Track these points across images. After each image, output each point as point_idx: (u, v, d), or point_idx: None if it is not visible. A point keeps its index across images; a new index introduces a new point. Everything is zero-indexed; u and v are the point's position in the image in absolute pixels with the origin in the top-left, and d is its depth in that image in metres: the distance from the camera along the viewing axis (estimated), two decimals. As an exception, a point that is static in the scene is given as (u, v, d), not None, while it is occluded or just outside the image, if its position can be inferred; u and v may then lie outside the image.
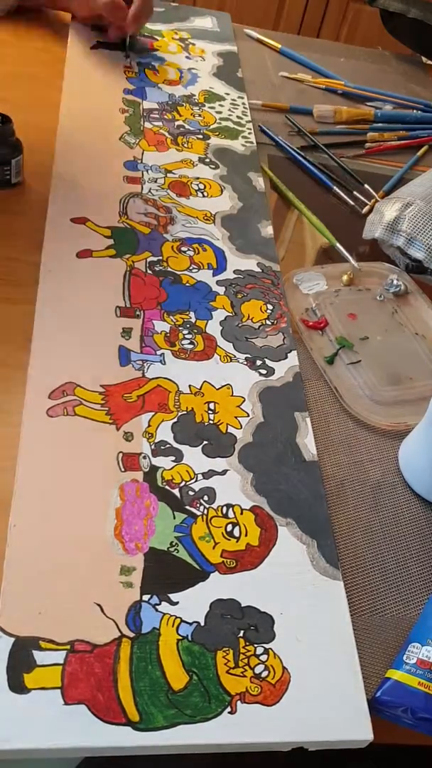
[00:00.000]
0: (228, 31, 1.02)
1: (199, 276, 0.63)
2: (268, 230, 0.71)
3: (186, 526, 0.46)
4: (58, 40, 0.89)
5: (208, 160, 0.77)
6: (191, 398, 0.53)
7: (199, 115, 0.83)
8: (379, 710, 0.41)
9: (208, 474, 0.49)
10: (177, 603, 0.42)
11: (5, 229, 0.63)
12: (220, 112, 0.84)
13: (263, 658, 0.41)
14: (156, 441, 0.50)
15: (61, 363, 0.52)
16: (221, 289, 0.63)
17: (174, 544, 0.45)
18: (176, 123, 0.80)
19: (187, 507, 0.47)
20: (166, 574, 0.43)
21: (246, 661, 0.41)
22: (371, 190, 0.81)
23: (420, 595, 0.47)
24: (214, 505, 0.47)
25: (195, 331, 0.58)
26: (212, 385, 0.55)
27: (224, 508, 0.47)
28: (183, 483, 0.48)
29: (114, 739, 0.37)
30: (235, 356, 0.57)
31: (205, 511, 0.47)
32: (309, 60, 1.01)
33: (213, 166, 0.76)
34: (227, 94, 0.88)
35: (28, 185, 0.68)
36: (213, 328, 0.59)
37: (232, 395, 0.54)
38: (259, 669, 0.40)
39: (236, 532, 0.46)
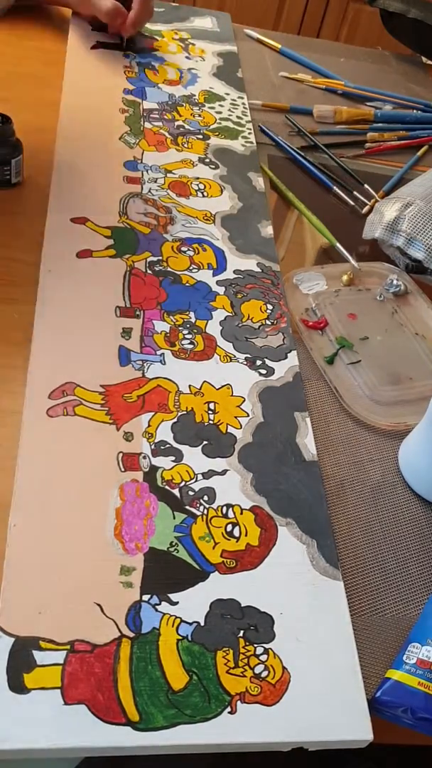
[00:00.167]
0: (228, 31, 1.02)
1: (199, 276, 0.63)
2: (268, 230, 0.71)
3: (186, 526, 0.46)
4: (58, 39, 0.89)
5: (208, 160, 0.77)
6: (191, 398, 0.53)
7: (199, 115, 0.83)
8: (379, 710, 0.41)
9: (208, 474, 0.49)
10: (177, 603, 0.42)
11: (5, 229, 0.63)
12: (220, 112, 0.84)
13: (263, 658, 0.41)
14: (156, 441, 0.50)
15: (61, 363, 0.53)
16: (221, 289, 0.63)
17: (174, 544, 0.45)
18: (176, 123, 0.80)
19: (187, 507, 0.47)
20: (166, 574, 0.43)
21: (246, 661, 0.41)
22: (371, 190, 0.81)
23: (420, 595, 0.47)
24: (214, 505, 0.47)
25: (195, 331, 0.58)
26: (212, 385, 0.55)
27: (224, 508, 0.47)
28: (183, 483, 0.48)
29: (114, 739, 0.37)
30: (235, 356, 0.57)
31: (205, 511, 0.47)
32: (309, 60, 1.01)
33: (213, 166, 0.76)
34: (227, 94, 0.88)
35: (28, 185, 0.68)
36: (213, 328, 0.59)
37: (232, 395, 0.54)
38: (259, 669, 0.40)
39: (236, 532, 0.46)
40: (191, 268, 0.64)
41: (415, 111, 0.96)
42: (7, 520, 0.43)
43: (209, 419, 0.52)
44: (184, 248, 0.65)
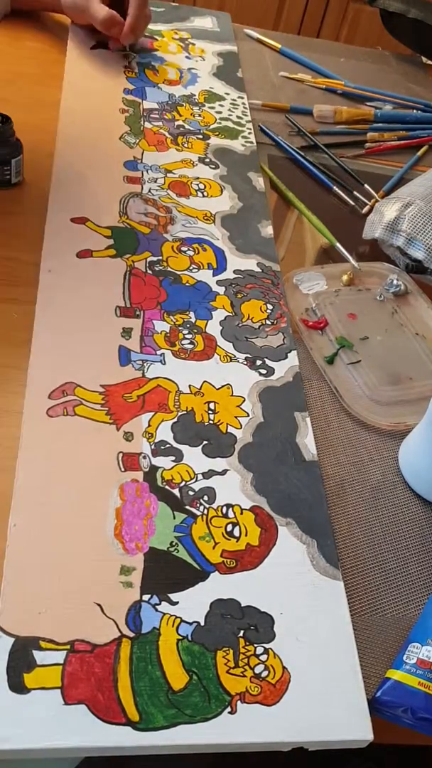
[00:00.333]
0: (228, 31, 1.02)
1: (199, 276, 0.63)
2: (268, 230, 0.71)
3: (186, 526, 0.46)
4: (58, 40, 0.89)
5: (208, 160, 0.77)
6: (191, 398, 0.53)
7: (199, 115, 0.83)
8: (379, 710, 0.41)
9: (208, 474, 0.49)
10: (177, 603, 0.42)
11: (5, 229, 0.63)
12: (220, 112, 0.84)
13: (263, 658, 0.41)
14: (156, 441, 0.50)
15: (61, 363, 0.53)
16: (221, 289, 0.63)
17: (174, 544, 0.45)
18: (176, 123, 0.80)
19: (187, 507, 0.47)
20: (166, 574, 0.43)
21: (246, 661, 0.41)
22: (371, 190, 0.81)
23: (420, 595, 0.47)
24: (214, 505, 0.47)
25: (195, 331, 0.58)
26: (212, 385, 0.55)
27: (224, 508, 0.47)
28: (183, 483, 0.48)
29: (114, 739, 0.37)
30: (235, 356, 0.57)
31: (205, 511, 0.47)
32: (309, 60, 1.01)
33: (213, 166, 0.76)
34: (227, 94, 0.88)
35: (28, 185, 0.68)
36: (213, 328, 0.59)
37: (232, 395, 0.54)
38: (259, 669, 0.40)
39: (236, 532, 0.46)
40: (191, 268, 0.64)
41: (415, 111, 0.96)
42: (7, 520, 0.43)
43: (209, 419, 0.52)
44: (184, 248, 0.65)
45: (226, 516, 0.47)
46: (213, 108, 0.85)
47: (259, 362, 0.58)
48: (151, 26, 0.96)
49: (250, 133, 0.83)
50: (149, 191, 0.70)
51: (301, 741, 0.39)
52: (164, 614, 0.41)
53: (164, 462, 0.49)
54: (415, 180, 0.74)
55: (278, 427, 0.53)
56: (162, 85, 0.86)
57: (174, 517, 0.46)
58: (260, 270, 0.66)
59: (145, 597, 0.42)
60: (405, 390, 0.59)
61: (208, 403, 0.53)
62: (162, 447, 0.50)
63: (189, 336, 0.58)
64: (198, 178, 0.74)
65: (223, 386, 0.55)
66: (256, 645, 0.41)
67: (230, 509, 0.47)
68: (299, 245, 0.73)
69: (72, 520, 0.44)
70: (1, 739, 0.35)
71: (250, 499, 0.48)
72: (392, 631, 0.45)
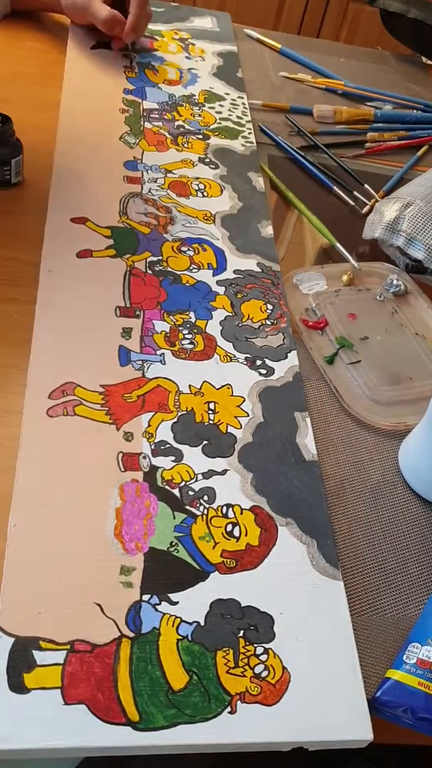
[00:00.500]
0: (228, 31, 1.02)
1: (199, 276, 0.63)
2: (268, 230, 0.71)
3: (186, 526, 0.46)
4: (58, 39, 0.89)
5: (208, 160, 0.77)
6: (191, 398, 0.53)
7: (199, 115, 0.83)
8: (379, 710, 0.41)
9: (208, 474, 0.49)
10: (177, 603, 0.42)
11: (5, 229, 0.63)
12: (220, 112, 0.84)
13: (263, 658, 0.41)
14: (156, 441, 0.50)
15: (61, 363, 0.53)
16: (221, 289, 0.63)
17: (174, 544, 0.45)
18: (176, 123, 0.80)
19: (187, 507, 0.47)
20: (166, 574, 0.43)
21: (246, 661, 0.41)
22: (371, 190, 0.81)
23: (420, 595, 0.47)
24: (214, 505, 0.47)
25: (195, 331, 0.58)
26: (212, 385, 0.55)
27: (224, 508, 0.47)
28: (183, 483, 0.48)
29: (114, 739, 0.37)
30: (235, 356, 0.57)
31: (205, 511, 0.47)
32: (309, 60, 1.01)
33: (213, 166, 0.76)
34: (227, 94, 0.88)
35: (28, 185, 0.68)
36: (213, 328, 0.59)
37: (232, 395, 0.54)
38: (259, 669, 0.40)
39: (236, 532, 0.46)
40: (191, 268, 0.64)
41: (415, 111, 0.96)
42: (7, 520, 0.43)
43: (209, 419, 0.52)
44: (184, 248, 0.65)
45: (226, 516, 0.47)
46: (213, 108, 0.85)
47: (259, 362, 0.58)
48: (151, 26, 0.96)
49: (250, 133, 0.83)
50: (149, 191, 0.70)
51: (301, 741, 0.39)
52: (164, 614, 0.41)
53: (164, 462, 0.49)
54: (415, 180, 0.74)
55: (278, 427, 0.53)
56: (162, 85, 0.86)
57: (174, 517, 0.46)
58: (260, 270, 0.66)
59: (145, 597, 0.42)
60: (405, 390, 0.59)
61: (208, 403, 0.53)
62: (162, 447, 0.50)
63: (189, 336, 0.58)
64: (198, 178, 0.74)
65: (223, 386, 0.55)
66: (256, 645, 0.41)
67: (230, 509, 0.47)
68: (299, 245, 0.73)
69: (72, 520, 0.44)
70: (1, 739, 0.35)
71: (250, 499, 0.48)
72: (392, 631, 0.45)
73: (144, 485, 0.47)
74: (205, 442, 0.51)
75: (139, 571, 0.43)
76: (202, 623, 0.41)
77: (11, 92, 0.78)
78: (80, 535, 0.44)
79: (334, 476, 0.52)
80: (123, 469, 0.48)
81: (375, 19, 1.19)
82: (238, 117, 0.85)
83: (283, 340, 0.60)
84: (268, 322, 0.61)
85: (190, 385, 0.54)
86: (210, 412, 0.53)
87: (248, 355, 0.58)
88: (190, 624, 0.41)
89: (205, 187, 0.73)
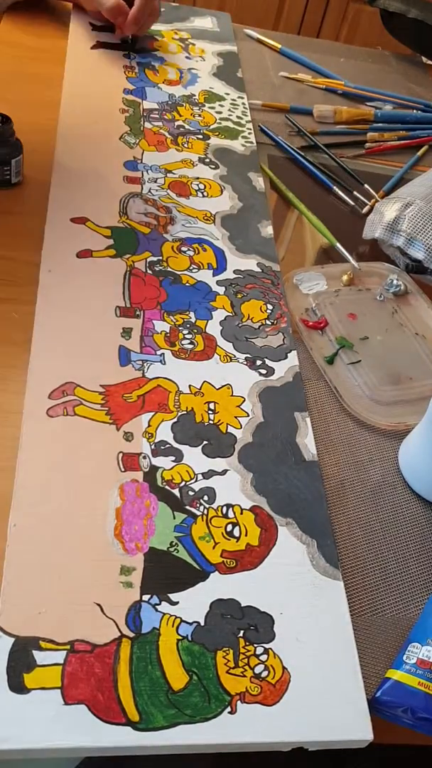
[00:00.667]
0: (228, 31, 1.01)
1: (199, 276, 0.63)
2: (268, 230, 0.71)
3: (186, 526, 0.46)
4: (58, 39, 0.89)
5: (208, 160, 0.77)
6: (191, 398, 0.53)
7: (199, 115, 0.83)
8: (379, 710, 0.41)
9: (208, 474, 0.49)
10: (177, 603, 0.42)
11: (5, 229, 0.63)
12: (220, 112, 0.84)
13: (263, 658, 0.41)
14: (156, 441, 0.50)
15: (61, 363, 0.53)
16: (221, 289, 0.63)
17: (174, 544, 0.45)
18: (176, 123, 0.80)
19: (187, 507, 0.47)
20: (166, 574, 0.43)
21: (246, 661, 0.41)
22: (371, 190, 0.81)
23: (420, 595, 0.47)
24: (214, 505, 0.47)
25: (195, 331, 0.58)
26: (212, 385, 0.55)
27: (224, 508, 0.47)
28: (183, 483, 0.48)
29: (114, 739, 0.37)
30: (235, 356, 0.57)
31: (205, 511, 0.47)
32: (309, 60, 1.01)
33: (213, 166, 0.76)
34: (227, 94, 0.88)
35: (28, 185, 0.68)
36: (213, 328, 0.59)
37: (232, 395, 0.54)
38: (259, 669, 0.40)
39: (236, 532, 0.46)
40: (191, 268, 0.64)
41: (415, 111, 0.96)
42: (7, 520, 0.43)
43: (209, 419, 0.52)
44: (184, 248, 0.65)
45: (226, 516, 0.47)
46: (213, 108, 0.85)
47: (259, 362, 0.58)
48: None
49: (250, 133, 0.83)
50: (149, 191, 0.70)
51: (301, 741, 0.39)
52: (164, 614, 0.41)
53: (164, 462, 0.49)
54: (415, 180, 0.74)
55: (278, 427, 0.53)
56: (162, 85, 0.86)
57: (174, 517, 0.46)
58: (260, 270, 0.66)
59: (145, 597, 0.42)
60: (405, 390, 0.59)
61: (208, 403, 0.53)
62: (162, 447, 0.50)
63: (189, 336, 0.58)
64: (198, 178, 0.74)
65: (223, 386, 0.55)
66: (256, 645, 0.41)
67: (230, 509, 0.47)
68: (299, 245, 0.73)
69: (72, 520, 0.44)
70: (1, 739, 0.35)
71: (250, 499, 0.48)
72: (392, 631, 0.45)
73: (144, 485, 0.47)
74: (205, 442, 0.51)
75: (139, 571, 0.43)
76: (202, 623, 0.41)
77: (11, 92, 0.78)
78: (80, 535, 0.44)
79: (334, 476, 0.52)
80: (123, 469, 0.48)
81: (375, 19, 1.19)
82: (238, 117, 0.85)
83: (283, 340, 0.60)
84: (268, 322, 0.61)
85: (190, 385, 0.54)
86: (210, 412, 0.53)
87: (248, 355, 0.58)
88: (190, 624, 0.41)
89: (205, 187, 0.73)
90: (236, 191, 0.74)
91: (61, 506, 0.45)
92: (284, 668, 0.41)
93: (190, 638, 0.41)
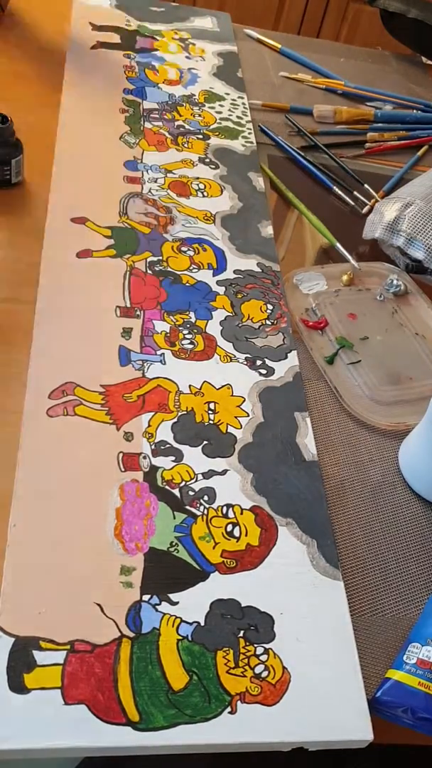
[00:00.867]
0: (228, 31, 1.01)
1: (199, 276, 0.63)
2: (268, 230, 0.71)
3: (186, 526, 0.46)
4: (58, 39, 0.89)
5: (208, 160, 0.77)
6: (191, 398, 0.53)
7: (199, 115, 0.83)
8: (379, 710, 0.41)
9: (208, 474, 0.49)
10: (177, 603, 0.42)
11: (5, 229, 0.63)
12: (220, 112, 0.84)
13: (263, 658, 0.41)
14: (156, 441, 0.50)
15: (61, 363, 0.53)
16: (221, 289, 0.63)
17: (174, 544, 0.45)
18: (176, 123, 0.80)
19: (187, 507, 0.47)
20: (166, 574, 0.43)
21: (246, 661, 0.41)
22: (371, 190, 0.81)
23: (420, 595, 0.47)
24: (214, 505, 0.47)
25: (195, 331, 0.58)
26: (212, 385, 0.55)
27: (224, 508, 0.47)
28: (183, 483, 0.48)
29: (114, 739, 0.37)
30: (235, 356, 0.57)
31: (205, 511, 0.47)
32: (309, 60, 1.01)
33: (213, 166, 0.76)
34: (227, 94, 0.88)
35: (28, 185, 0.68)
36: (213, 328, 0.59)
37: (232, 395, 0.54)
38: (259, 669, 0.40)
39: (236, 532, 0.46)
40: (191, 268, 0.64)
41: (415, 111, 0.96)
42: (7, 520, 0.43)
43: (209, 419, 0.52)
44: (184, 248, 0.65)
45: (226, 516, 0.47)
46: (213, 108, 0.85)
47: (259, 362, 0.58)
48: (151, 26, 0.96)
49: (250, 133, 0.83)
50: (149, 191, 0.70)
51: (301, 741, 0.39)
52: (164, 614, 0.41)
53: (164, 462, 0.49)
54: (415, 180, 0.74)
55: (278, 427, 0.53)
56: (162, 85, 0.86)
57: (174, 517, 0.46)
58: (260, 270, 0.66)
59: (145, 597, 0.42)
60: (405, 390, 0.59)
61: (208, 403, 0.53)
62: (162, 447, 0.50)
63: (189, 336, 0.58)
64: (198, 178, 0.74)
65: (223, 386, 0.55)
66: (256, 645, 0.41)
67: (230, 509, 0.47)
68: (299, 245, 0.73)
69: (72, 520, 0.44)
70: (1, 739, 0.36)
71: (250, 499, 0.48)
72: (392, 631, 0.45)
73: (144, 485, 0.47)
74: (205, 442, 0.51)
75: (139, 571, 0.43)
76: (202, 623, 0.42)
77: (11, 92, 0.78)
78: (80, 535, 0.44)
79: (334, 476, 0.52)
80: (123, 469, 0.48)
81: (375, 19, 1.19)
82: (238, 117, 0.85)
83: (283, 340, 0.60)
84: (268, 322, 0.61)
85: (190, 385, 0.54)
86: (210, 412, 0.53)
87: (248, 355, 0.58)
88: (190, 624, 0.41)
89: (205, 187, 0.73)
90: (236, 191, 0.74)
91: (61, 506, 0.45)
92: (284, 668, 0.41)
93: (190, 638, 0.41)
